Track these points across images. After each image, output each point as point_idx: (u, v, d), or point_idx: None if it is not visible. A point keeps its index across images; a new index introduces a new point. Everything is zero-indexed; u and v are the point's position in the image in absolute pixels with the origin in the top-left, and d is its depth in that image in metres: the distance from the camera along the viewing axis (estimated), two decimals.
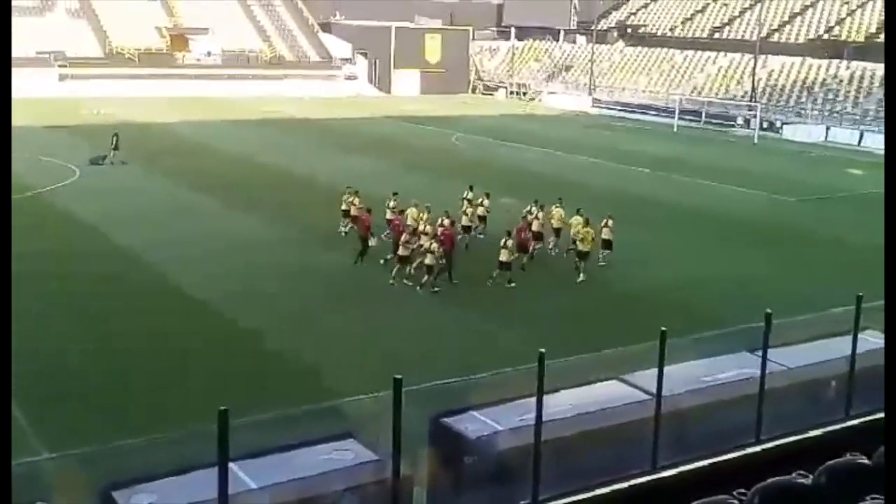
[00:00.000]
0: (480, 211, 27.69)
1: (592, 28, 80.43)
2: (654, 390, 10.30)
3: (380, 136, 52.16)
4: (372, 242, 24.60)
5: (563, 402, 11.12)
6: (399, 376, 7.88)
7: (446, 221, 24.40)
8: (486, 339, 19.42)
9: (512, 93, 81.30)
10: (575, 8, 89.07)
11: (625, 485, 6.82)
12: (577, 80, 78.99)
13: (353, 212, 26.74)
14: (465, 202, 28.15)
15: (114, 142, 38.99)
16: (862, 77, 62.60)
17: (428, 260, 22.52)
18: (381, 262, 24.11)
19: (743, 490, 4.48)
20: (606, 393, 12.03)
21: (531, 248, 25.40)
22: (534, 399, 9.09)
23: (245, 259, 25.03)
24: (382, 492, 8.82)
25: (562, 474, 9.90)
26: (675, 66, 74.05)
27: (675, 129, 60.31)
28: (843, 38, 68.22)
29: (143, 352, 17.89)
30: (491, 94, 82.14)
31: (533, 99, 78.73)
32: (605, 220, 25.53)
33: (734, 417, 11.21)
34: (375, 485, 9.21)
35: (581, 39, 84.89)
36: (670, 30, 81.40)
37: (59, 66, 67.87)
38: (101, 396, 15.78)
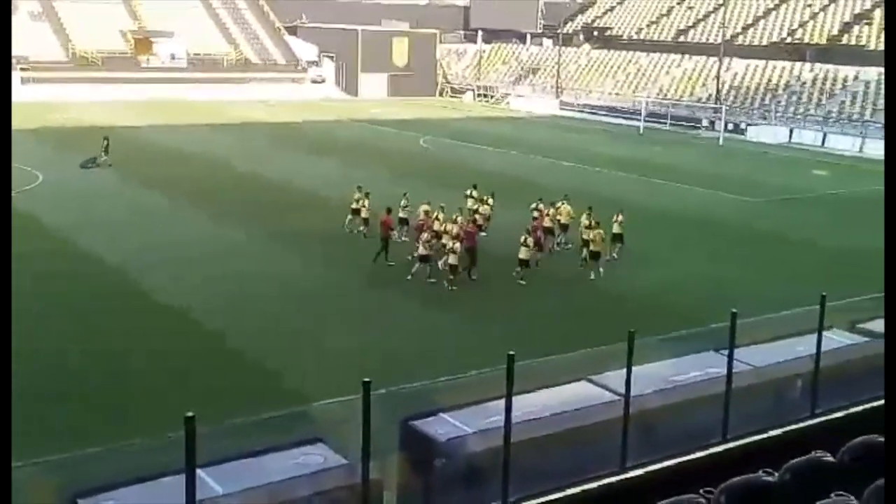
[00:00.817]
0: (485, 209, 28.31)
1: (559, 31, 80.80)
2: (622, 391, 10.36)
3: (348, 140, 52.06)
4: (396, 239, 25.56)
5: (533, 404, 11.15)
6: (367, 380, 7.86)
7: (460, 219, 25.19)
8: (460, 339, 19.43)
9: (479, 96, 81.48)
10: (541, 11, 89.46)
11: (594, 485, 6.86)
12: (545, 83, 79.34)
13: (364, 213, 27.59)
14: (471, 200, 28.85)
15: (104, 145, 39.27)
16: (825, 79, 63.43)
17: (451, 259, 23.11)
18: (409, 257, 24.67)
19: (710, 489, 4.52)
20: (575, 394, 12.08)
21: (548, 246, 26.35)
22: (503, 401, 9.11)
23: (212, 263, 24.87)
24: (352, 496, 8.78)
25: (531, 475, 9.93)
26: (640, 68, 74.59)
27: (641, 132, 60.74)
28: (806, 40, 69.11)
29: (111, 357, 17.70)
30: (458, 98, 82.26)
31: (500, 102, 78.96)
32: (616, 215, 26.56)
33: (701, 417, 11.30)
34: (344, 489, 9.17)
35: (548, 42, 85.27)
36: (636, 33, 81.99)
37: (22, 69, 67.02)
38: (66, 400, 15.59)
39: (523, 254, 23.72)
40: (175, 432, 6.68)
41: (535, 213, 27.21)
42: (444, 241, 23.77)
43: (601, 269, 24.58)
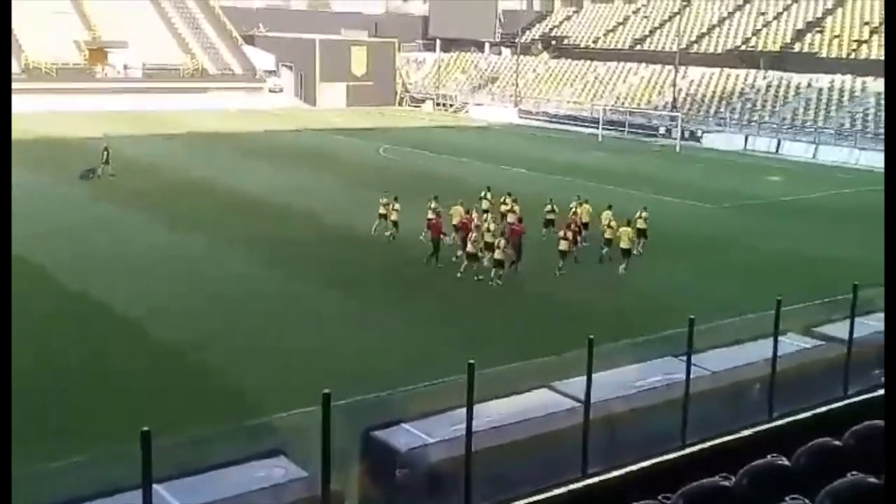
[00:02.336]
0: (503, 209, 29.24)
1: (517, 40, 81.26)
2: (582, 397, 10.41)
3: (307, 149, 51.85)
4: (448, 241, 26.56)
5: (494, 412, 11.17)
6: (327, 391, 7.81)
7: (511, 216, 27.29)
8: (415, 342, 19.38)
9: (439, 104, 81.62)
10: (500, 20, 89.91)
11: (556, 492, 6.85)
12: (503, 92, 79.70)
13: (394, 216, 28.76)
14: (485, 202, 30.18)
15: (104, 156, 38.80)
16: (778, 86, 64.43)
17: (497, 255, 24.29)
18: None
19: (668, 494, 4.54)
20: (537, 401, 12.13)
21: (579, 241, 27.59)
22: (465, 409, 9.10)
23: (172, 273, 24.60)
24: None
25: (494, 483, 9.93)
26: (598, 77, 75.22)
27: (599, 139, 61.21)
28: (760, 48, 70.18)
29: (65, 370, 17.40)
30: (418, 106, 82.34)
31: (460, 111, 79.16)
32: (639, 212, 28.16)
33: (662, 422, 11.39)
34: (305, 502, 9.11)
35: (506, 51, 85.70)
36: (593, 42, 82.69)
37: None
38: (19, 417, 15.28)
39: (563, 246, 25.41)
40: (131, 446, 6.59)
41: (578, 210, 28.97)
42: (486, 238, 25.05)
43: (626, 265, 26.05)
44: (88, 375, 17.37)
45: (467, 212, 27.58)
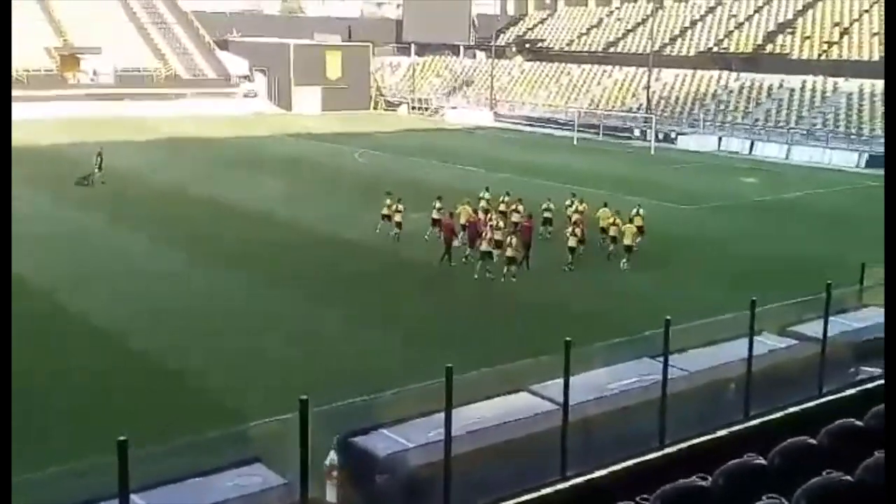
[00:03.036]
0: (502, 207, 30.06)
1: (491, 44, 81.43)
2: (561, 400, 10.44)
3: (281, 154, 51.68)
4: (456, 243, 26.90)
5: (473, 416, 11.19)
6: (304, 397, 7.79)
7: (517, 215, 28.14)
8: (392, 352, 19.37)
9: (414, 108, 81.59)
10: (474, 24, 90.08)
11: (534, 495, 6.86)
12: (479, 95, 79.82)
13: (398, 217, 29.26)
14: (483, 202, 30.69)
15: (97, 161, 38.80)
16: (751, 87, 64.93)
17: (509, 252, 24.97)
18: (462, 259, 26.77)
19: (646, 495, 4.55)
20: (515, 405, 12.16)
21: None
22: (443, 414, 9.11)
23: (147, 282, 24.43)
24: None
25: (473, 487, 9.93)
26: (572, 79, 75.50)
27: (574, 142, 61.41)
28: (732, 50, 70.72)
29: (39, 380, 17.21)
30: (393, 110, 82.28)
31: (435, 114, 79.18)
32: (636, 210, 29.06)
33: (640, 423, 11.45)
34: None
35: (481, 55, 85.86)
36: (567, 44, 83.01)
37: None
38: None
39: (572, 242, 26.50)
40: (108, 457, 6.54)
41: (580, 208, 29.87)
42: (497, 236, 25.72)
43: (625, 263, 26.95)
44: (63, 382, 17.19)
45: (475, 211, 28.32)
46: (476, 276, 25.11)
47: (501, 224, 26.68)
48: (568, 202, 30.58)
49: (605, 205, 29.49)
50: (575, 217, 28.41)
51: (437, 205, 28.94)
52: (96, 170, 38.68)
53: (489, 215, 28.30)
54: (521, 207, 29.15)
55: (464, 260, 26.61)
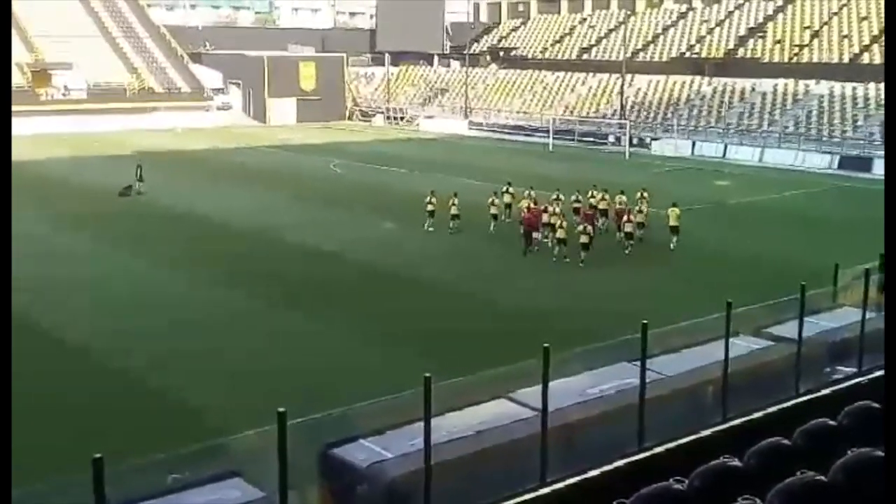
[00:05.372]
0: (507, 199, 33.55)
1: (465, 52, 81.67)
2: (539, 406, 10.45)
3: (257, 166, 51.54)
4: (536, 236, 29.29)
5: (452, 424, 11.18)
6: (282, 409, 7.76)
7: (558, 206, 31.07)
8: (369, 359, 19.32)
9: (389, 118, 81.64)
10: (447, 33, 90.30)
11: (514, 501, 6.88)
12: (454, 104, 79.99)
13: (453, 208, 32.00)
14: (507, 196, 33.75)
15: (138, 173, 40.05)
16: (723, 92, 65.46)
17: (559, 234, 28.22)
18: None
19: (623, 500, 4.57)
20: (494, 412, 12.15)
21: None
22: (422, 423, 9.09)
23: (125, 299, 24.25)
24: None
25: (454, 496, 9.93)
26: (546, 87, 75.82)
27: (550, 149, 61.63)
28: (704, 55, 71.28)
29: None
30: (368, 121, 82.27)
31: (411, 123, 79.25)
32: (640, 193, 32.61)
33: (619, 427, 11.47)
34: None
35: (455, 64, 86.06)
36: (541, 52, 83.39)
37: None
38: None
39: (584, 239, 27.75)
40: (82, 474, 6.48)
41: (591, 202, 32.70)
42: (551, 221, 28.97)
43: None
44: (33, 400, 17.01)
45: (534, 203, 30.58)
46: (554, 259, 28.05)
47: (557, 209, 30.08)
48: (573, 196, 33.25)
49: (622, 192, 32.91)
50: (583, 211, 31.23)
51: (495, 200, 32.31)
52: (137, 181, 39.94)
53: (554, 205, 31.03)
54: (527, 203, 31.54)
55: (532, 250, 29.02)
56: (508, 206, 33.09)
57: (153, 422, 16.08)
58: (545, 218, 29.41)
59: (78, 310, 23.16)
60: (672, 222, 30.48)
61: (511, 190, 34.16)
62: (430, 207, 32.22)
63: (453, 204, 32.00)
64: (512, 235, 30.67)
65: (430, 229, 32.20)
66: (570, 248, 28.13)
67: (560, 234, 28.15)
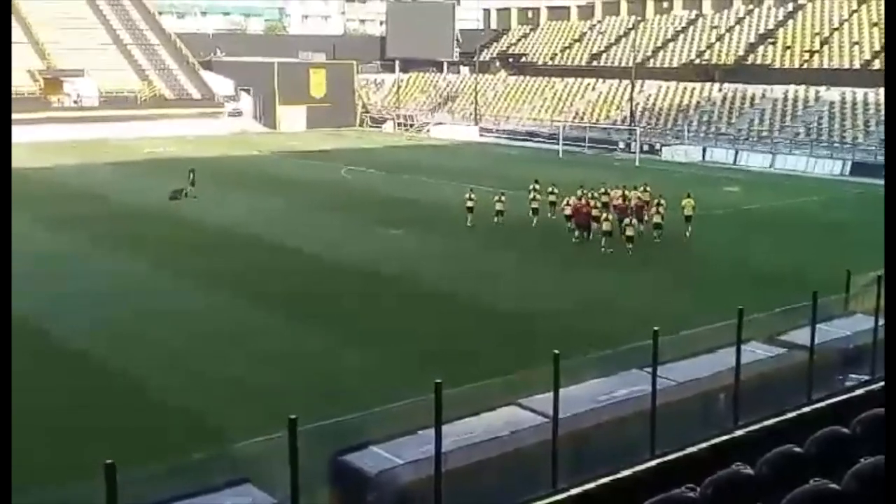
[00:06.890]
0: (552, 198, 35.42)
1: (475, 59, 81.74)
2: (550, 413, 10.42)
3: (267, 173, 51.62)
4: (595, 227, 30.69)
5: (463, 431, 11.15)
6: (294, 416, 7.76)
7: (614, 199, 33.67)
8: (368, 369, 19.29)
9: (399, 125, 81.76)
10: (457, 40, 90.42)
11: None
12: (464, 111, 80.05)
13: (499, 204, 34.28)
14: (533, 192, 35.57)
15: (190, 177, 41.39)
16: (734, 98, 65.37)
17: (605, 226, 30.06)
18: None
19: None
20: (505, 419, 12.12)
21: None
22: (433, 430, 9.08)
23: (118, 302, 24.23)
24: None
25: (464, 503, 9.91)
26: (556, 93, 75.83)
27: (560, 155, 61.58)
28: (714, 61, 71.20)
29: (17, 401, 17.06)
30: (378, 127, 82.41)
31: (421, 130, 79.33)
32: (642, 187, 34.87)
33: (630, 434, 11.43)
34: None
35: (465, 70, 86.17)
36: (550, 58, 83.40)
37: None
38: None
39: (606, 226, 29.99)
40: (94, 480, 6.49)
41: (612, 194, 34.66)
42: (594, 213, 30.96)
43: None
44: (41, 408, 17.06)
45: (579, 198, 32.59)
46: (603, 250, 29.57)
47: (599, 203, 32.24)
48: (600, 190, 35.00)
49: (646, 186, 35.20)
50: (611, 202, 33.27)
51: (535, 195, 34.69)
52: (189, 185, 40.98)
53: (597, 200, 32.91)
54: (540, 198, 34.31)
55: (576, 238, 31.24)
56: (553, 203, 35.01)
57: (159, 425, 16.10)
58: (604, 214, 31.15)
59: (82, 316, 23.18)
60: (687, 212, 32.32)
61: (538, 186, 35.88)
62: (469, 204, 33.91)
63: (500, 200, 34.26)
64: (540, 234, 32.95)
65: (470, 224, 33.87)
66: (614, 240, 29.99)
67: (606, 226, 29.91)
